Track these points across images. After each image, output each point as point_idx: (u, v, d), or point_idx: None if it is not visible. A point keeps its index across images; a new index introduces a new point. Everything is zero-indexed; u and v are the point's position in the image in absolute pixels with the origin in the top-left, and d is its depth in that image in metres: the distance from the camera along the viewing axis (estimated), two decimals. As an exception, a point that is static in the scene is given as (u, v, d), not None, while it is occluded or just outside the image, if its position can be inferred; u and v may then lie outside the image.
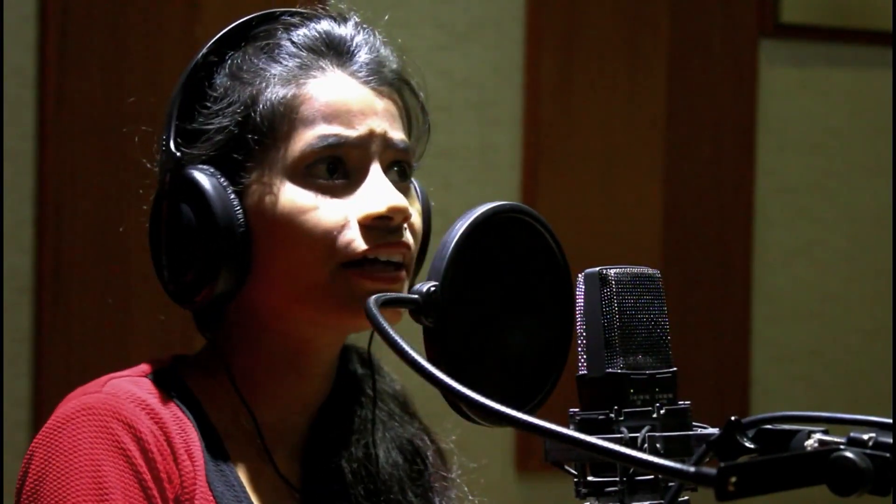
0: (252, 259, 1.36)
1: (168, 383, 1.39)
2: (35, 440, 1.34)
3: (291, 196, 1.35)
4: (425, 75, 1.49)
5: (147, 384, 1.38)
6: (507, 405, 0.92)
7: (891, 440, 0.93)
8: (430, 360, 1.10)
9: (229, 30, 1.42)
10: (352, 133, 1.37)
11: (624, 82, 3.54)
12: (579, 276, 1.12)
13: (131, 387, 1.36)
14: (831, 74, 3.78)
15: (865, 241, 3.80)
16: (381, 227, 1.35)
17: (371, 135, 1.37)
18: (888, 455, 0.92)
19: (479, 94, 3.41)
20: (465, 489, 1.52)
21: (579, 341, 1.11)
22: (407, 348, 0.97)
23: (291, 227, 1.35)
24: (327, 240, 1.34)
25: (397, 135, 1.40)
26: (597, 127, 3.52)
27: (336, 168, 1.36)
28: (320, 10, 1.46)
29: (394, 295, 1.10)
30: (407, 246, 1.36)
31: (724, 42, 3.65)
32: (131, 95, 3.00)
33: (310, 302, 1.36)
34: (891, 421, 0.96)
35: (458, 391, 0.94)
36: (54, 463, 1.31)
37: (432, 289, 1.11)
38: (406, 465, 1.46)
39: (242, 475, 1.38)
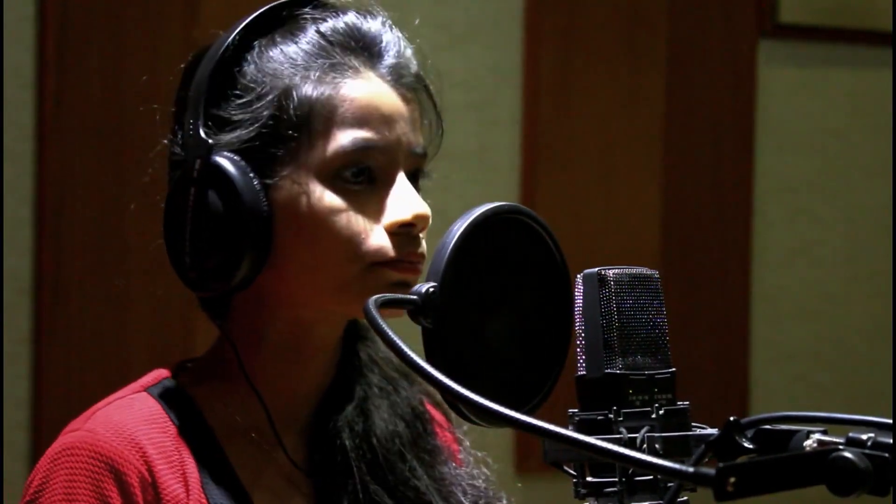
0: (271, 250, 1.37)
1: (167, 396, 1.40)
2: (28, 479, 1.39)
3: (321, 197, 1.36)
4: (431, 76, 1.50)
5: (142, 403, 1.39)
6: (506, 406, 0.92)
7: (890, 440, 0.93)
8: (428, 360, 1.10)
9: (256, 16, 1.41)
10: (382, 139, 1.38)
11: (623, 82, 3.54)
12: (578, 276, 1.12)
13: (119, 414, 1.37)
14: (831, 74, 3.78)
15: (865, 241, 3.80)
16: (404, 233, 1.37)
17: (398, 142, 1.39)
18: (887, 455, 0.92)
19: (477, 94, 3.41)
20: (468, 443, 1.53)
21: (578, 342, 1.11)
22: (406, 349, 0.97)
23: (319, 227, 1.36)
24: (354, 243, 1.36)
25: (419, 142, 1.42)
26: (596, 127, 3.52)
27: (361, 173, 1.38)
28: (346, 1, 1.46)
29: (393, 296, 1.10)
30: (423, 256, 1.38)
31: (723, 42, 3.65)
32: (131, 95, 3.01)
33: (335, 294, 1.37)
34: (890, 421, 0.96)
35: (457, 392, 0.94)
36: None
37: (431, 289, 1.11)
38: (407, 430, 1.47)
39: (247, 475, 1.39)
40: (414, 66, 1.44)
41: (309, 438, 1.44)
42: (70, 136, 2.99)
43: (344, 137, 1.37)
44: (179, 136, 1.40)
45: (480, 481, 1.49)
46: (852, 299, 3.80)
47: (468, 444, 1.53)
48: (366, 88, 1.39)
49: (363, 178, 1.38)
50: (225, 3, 3.04)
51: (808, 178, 3.76)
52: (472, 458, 1.52)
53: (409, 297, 1.11)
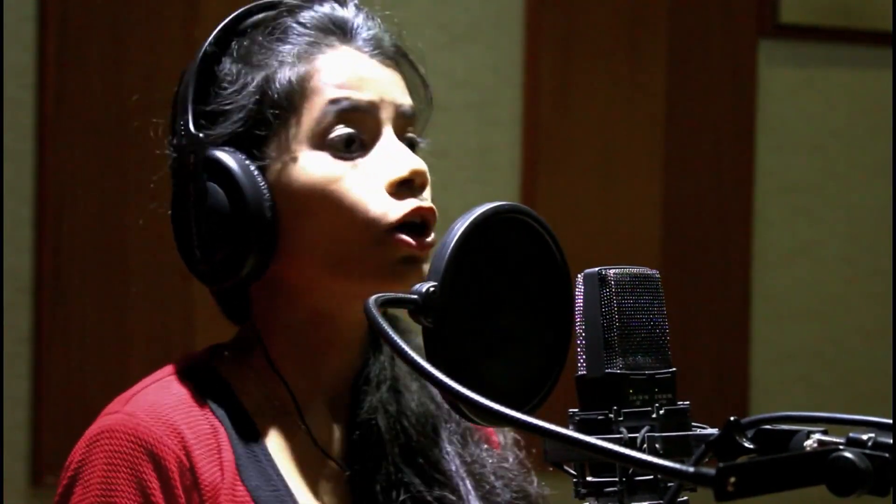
0: (277, 234, 1.38)
1: (201, 378, 1.41)
2: (67, 460, 1.38)
3: (314, 167, 1.38)
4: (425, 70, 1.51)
5: (178, 386, 1.40)
6: (507, 405, 0.92)
7: (890, 440, 0.93)
8: (429, 359, 1.10)
9: (231, 18, 1.46)
10: (363, 97, 1.40)
11: (623, 82, 3.54)
12: (578, 276, 1.12)
13: (158, 397, 1.38)
14: (831, 74, 3.78)
15: (865, 241, 3.80)
16: (404, 191, 1.38)
17: (381, 100, 1.41)
18: (887, 455, 0.92)
19: (478, 94, 3.41)
20: (501, 433, 1.53)
21: (578, 341, 1.11)
22: (406, 348, 0.97)
23: (319, 199, 1.37)
24: (358, 209, 1.37)
25: (405, 101, 1.44)
26: (596, 127, 3.52)
27: (352, 141, 1.39)
28: None
29: (393, 295, 1.10)
30: (432, 210, 1.39)
31: (724, 42, 3.65)
32: (131, 95, 3.00)
33: (341, 270, 1.38)
34: (890, 421, 0.96)
35: (458, 391, 0.94)
36: (73, 489, 1.35)
37: (431, 289, 1.11)
38: (438, 411, 1.47)
39: (282, 458, 1.40)
40: (390, 39, 1.47)
41: (339, 424, 1.44)
42: (70, 136, 2.99)
43: (324, 102, 1.39)
44: (174, 140, 1.42)
45: (511, 461, 1.50)
46: (852, 299, 3.80)
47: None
48: (342, 58, 1.42)
49: (354, 146, 1.39)
50: (225, 3, 3.05)
51: (808, 178, 3.76)
52: (507, 440, 1.52)
53: (409, 296, 1.11)
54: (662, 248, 3.57)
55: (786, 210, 3.74)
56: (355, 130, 1.39)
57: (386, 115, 1.41)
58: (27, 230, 2.98)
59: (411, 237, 1.37)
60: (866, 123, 3.80)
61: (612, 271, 1.11)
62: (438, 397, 1.48)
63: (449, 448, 1.46)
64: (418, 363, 0.97)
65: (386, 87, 1.42)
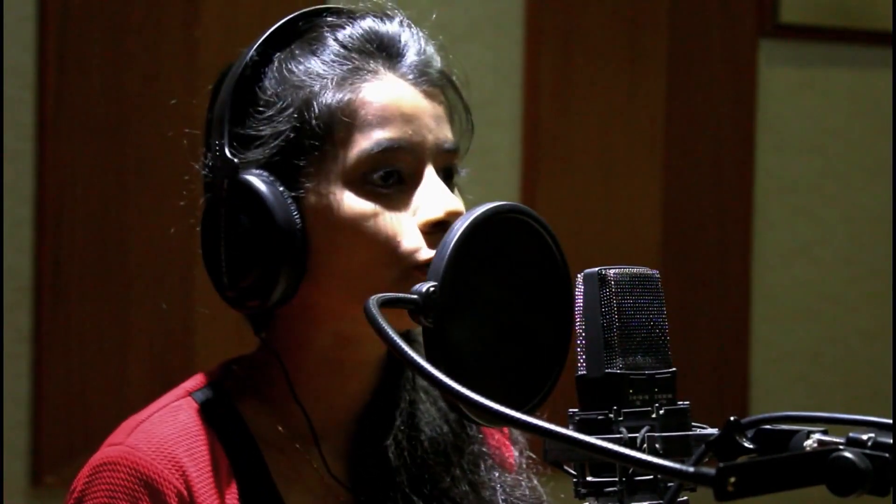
0: (307, 262, 1.36)
1: (211, 403, 1.40)
2: (73, 482, 1.38)
3: (350, 203, 1.36)
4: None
5: (186, 412, 1.39)
6: (507, 405, 0.92)
7: (890, 440, 0.93)
8: (429, 360, 1.10)
9: (274, 30, 1.42)
10: (406, 138, 1.37)
11: (624, 82, 3.54)
12: (578, 276, 1.12)
13: (162, 428, 1.37)
14: (831, 74, 3.78)
15: (865, 241, 3.80)
16: (438, 231, 1.35)
17: (424, 139, 1.38)
18: (887, 455, 0.92)
19: (478, 94, 3.40)
20: (523, 445, 1.52)
21: (578, 341, 1.11)
22: (406, 348, 0.97)
23: (352, 233, 1.35)
24: (390, 246, 1.35)
25: (448, 137, 1.42)
26: (596, 127, 3.52)
27: (391, 175, 1.37)
28: (362, 7, 1.45)
29: (393, 295, 1.10)
30: None
31: (724, 42, 3.65)
32: (131, 96, 3.01)
33: None
34: (890, 421, 0.96)
35: (458, 391, 0.95)
36: None
37: (431, 289, 1.11)
38: (451, 435, 1.46)
39: (286, 487, 1.39)
40: (437, 63, 1.45)
41: (350, 451, 1.43)
42: (70, 136, 2.99)
43: (366, 141, 1.36)
44: (209, 159, 1.40)
45: (524, 488, 1.48)
46: (852, 299, 3.80)
47: (524, 444, 1.52)
48: (385, 89, 1.39)
49: (392, 180, 1.37)
50: (225, 2, 3.05)
51: (808, 178, 3.76)
52: (523, 462, 1.51)
53: (409, 296, 1.11)
54: (662, 248, 3.57)
55: (786, 210, 3.74)
56: (395, 167, 1.37)
57: (428, 152, 1.39)
58: (27, 230, 2.98)
59: None
60: (866, 123, 3.80)
61: (612, 271, 1.11)
62: (455, 423, 1.47)
63: (458, 472, 1.45)
64: (418, 363, 0.97)
65: (430, 123, 1.40)
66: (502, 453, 1.51)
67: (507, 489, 1.46)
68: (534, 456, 1.51)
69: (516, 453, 1.52)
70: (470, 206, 1.20)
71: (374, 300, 1.04)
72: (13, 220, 2.97)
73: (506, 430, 1.52)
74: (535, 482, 1.49)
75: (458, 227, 1.14)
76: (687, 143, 3.61)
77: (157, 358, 2.93)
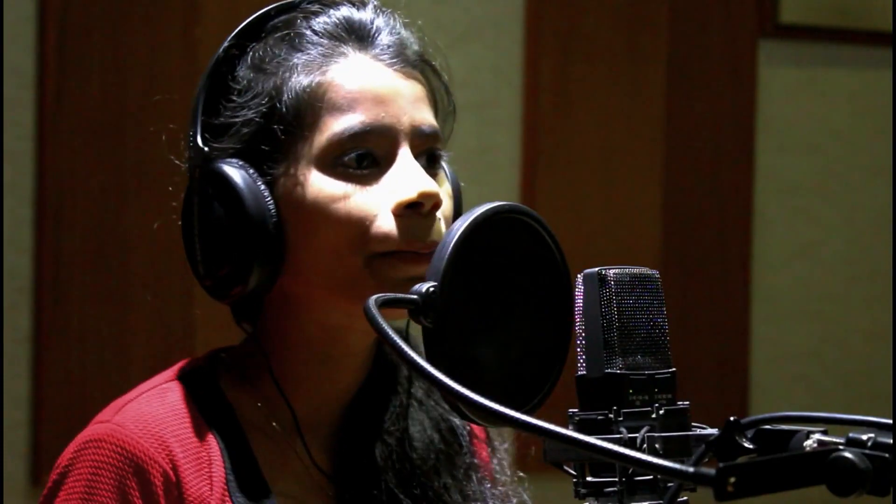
0: (285, 250, 1.35)
1: (199, 387, 1.39)
2: (59, 457, 1.38)
3: (321, 186, 1.34)
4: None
5: (174, 394, 1.38)
6: (507, 405, 0.92)
7: (890, 440, 0.93)
8: (429, 360, 1.10)
9: (249, 22, 1.41)
10: (378, 121, 1.35)
11: (623, 82, 3.54)
12: (578, 276, 1.12)
13: (150, 407, 1.37)
14: (831, 75, 3.78)
15: (865, 242, 3.80)
16: (413, 214, 1.34)
17: (398, 121, 1.36)
18: (887, 455, 0.92)
19: (478, 94, 3.41)
20: (504, 460, 1.51)
21: (578, 341, 1.11)
22: (406, 349, 0.97)
23: (322, 217, 1.34)
24: (360, 229, 1.33)
25: (425, 119, 1.39)
26: (596, 127, 3.52)
27: (364, 158, 1.35)
28: None
29: (393, 295, 1.10)
30: (436, 243, 1.35)
31: (724, 42, 3.65)
32: (131, 96, 3.01)
33: (343, 291, 1.35)
34: (890, 421, 0.96)
35: (457, 391, 0.94)
36: (58, 493, 1.35)
37: (431, 289, 1.11)
38: (442, 443, 1.46)
39: (272, 474, 1.38)
40: (415, 45, 1.42)
41: (335, 442, 1.43)
42: (70, 136, 2.99)
43: (336, 124, 1.35)
44: (186, 150, 1.41)
45: (513, 503, 1.48)
46: (852, 299, 3.80)
47: (505, 461, 1.51)
48: (356, 71, 1.37)
49: (366, 162, 1.35)
50: (225, 2, 3.04)
51: (808, 178, 3.76)
52: (507, 475, 1.50)
53: (409, 296, 1.11)
54: (662, 248, 3.57)
55: (786, 210, 3.74)
56: (368, 149, 1.35)
57: (402, 133, 1.36)
58: (27, 230, 2.98)
59: (412, 259, 1.33)
60: (866, 123, 3.80)
61: (612, 271, 1.11)
62: (447, 433, 1.46)
63: (450, 482, 1.44)
64: (418, 363, 0.97)
65: (404, 104, 1.37)
66: (490, 467, 1.51)
67: (497, 501, 1.46)
68: (516, 474, 1.50)
69: (496, 464, 1.51)
70: (469, 205, 1.20)
71: (373, 300, 1.04)
72: (13, 220, 2.97)
73: (482, 434, 1.52)
74: (525, 497, 1.49)
75: (458, 227, 1.14)
76: (687, 143, 3.61)
77: (158, 358, 2.93)
